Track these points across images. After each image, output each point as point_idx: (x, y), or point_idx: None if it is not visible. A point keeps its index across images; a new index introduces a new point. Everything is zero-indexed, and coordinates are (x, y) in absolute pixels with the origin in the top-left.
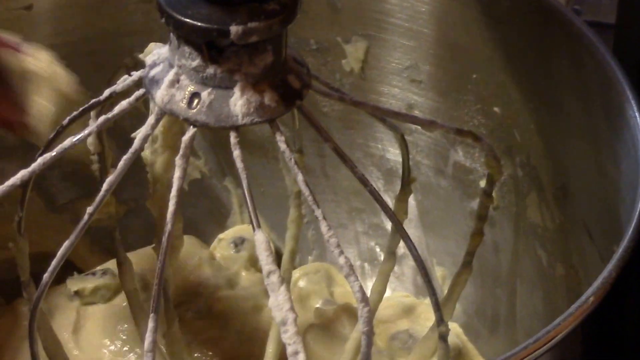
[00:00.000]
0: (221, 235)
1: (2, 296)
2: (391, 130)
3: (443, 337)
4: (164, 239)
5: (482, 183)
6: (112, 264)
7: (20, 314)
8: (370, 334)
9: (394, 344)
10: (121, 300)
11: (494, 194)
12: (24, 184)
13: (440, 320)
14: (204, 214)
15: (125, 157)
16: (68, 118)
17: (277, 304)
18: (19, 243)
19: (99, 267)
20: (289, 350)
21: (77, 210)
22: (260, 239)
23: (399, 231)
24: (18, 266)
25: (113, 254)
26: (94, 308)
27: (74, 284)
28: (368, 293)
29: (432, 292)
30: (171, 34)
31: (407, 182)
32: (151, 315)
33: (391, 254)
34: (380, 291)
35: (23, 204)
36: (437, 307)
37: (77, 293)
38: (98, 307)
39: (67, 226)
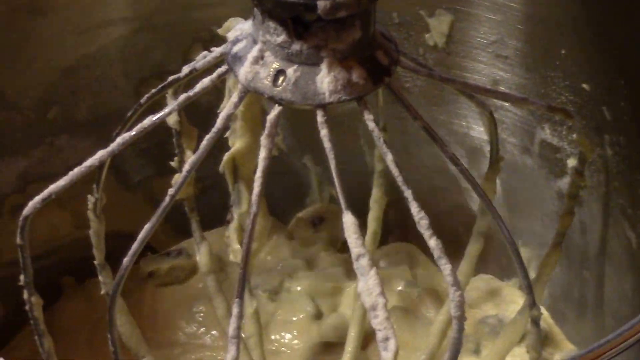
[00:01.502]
0: (300, 215)
1: (73, 276)
2: (479, 108)
3: (535, 321)
4: (249, 222)
5: (570, 162)
6: (187, 244)
7: (92, 295)
8: (461, 319)
9: (482, 328)
10: (196, 281)
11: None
12: (101, 165)
13: (532, 304)
14: (282, 193)
15: (208, 136)
16: (146, 96)
17: (367, 289)
18: (96, 225)
19: (173, 247)
20: (380, 336)
21: (151, 189)
22: (349, 221)
23: (491, 211)
24: (94, 248)
25: (189, 234)
26: (169, 289)
27: (148, 264)
28: None
29: (524, 274)
30: (255, 9)
31: (495, 161)
32: (236, 300)
33: (479, 235)
34: (467, 274)
35: (99, 185)
36: (530, 290)
37: (151, 274)
38: (173, 288)
39: (140, 205)
